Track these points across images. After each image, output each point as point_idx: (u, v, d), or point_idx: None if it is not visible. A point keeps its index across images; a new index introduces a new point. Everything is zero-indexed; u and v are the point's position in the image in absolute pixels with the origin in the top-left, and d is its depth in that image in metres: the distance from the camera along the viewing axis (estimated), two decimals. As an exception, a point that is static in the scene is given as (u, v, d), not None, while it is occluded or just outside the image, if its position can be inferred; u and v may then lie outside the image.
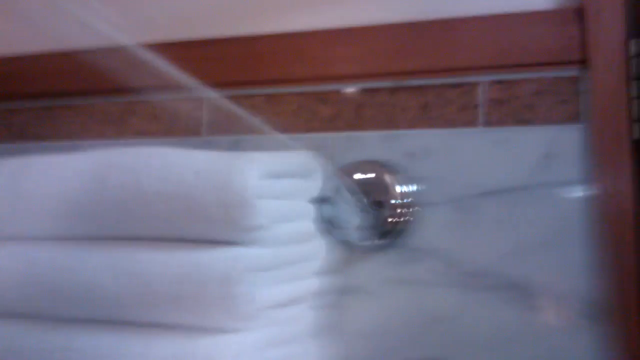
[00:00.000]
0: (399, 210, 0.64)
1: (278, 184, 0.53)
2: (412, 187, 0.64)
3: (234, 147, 0.71)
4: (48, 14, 0.76)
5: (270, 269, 0.52)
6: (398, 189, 0.64)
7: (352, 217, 0.65)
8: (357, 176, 0.66)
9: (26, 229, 0.53)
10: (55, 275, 0.49)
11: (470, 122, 0.63)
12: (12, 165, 0.54)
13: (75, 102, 0.79)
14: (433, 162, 0.64)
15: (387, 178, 0.65)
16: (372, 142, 0.66)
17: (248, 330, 0.49)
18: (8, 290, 0.51)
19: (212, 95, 0.71)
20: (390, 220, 0.64)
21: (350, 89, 0.68)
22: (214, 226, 0.47)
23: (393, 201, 0.64)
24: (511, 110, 0.62)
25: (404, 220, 0.64)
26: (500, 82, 0.63)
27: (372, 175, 0.65)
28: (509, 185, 0.61)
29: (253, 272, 0.49)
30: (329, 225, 0.66)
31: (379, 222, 0.65)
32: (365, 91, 0.68)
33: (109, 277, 0.48)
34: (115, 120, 0.77)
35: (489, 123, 0.63)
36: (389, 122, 0.66)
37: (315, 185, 0.63)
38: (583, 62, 0.60)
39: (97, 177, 0.49)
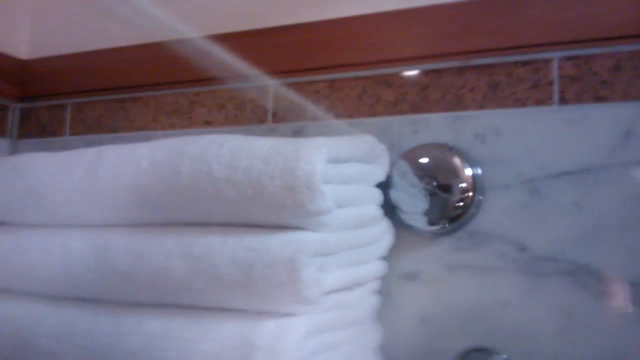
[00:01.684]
0: (467, 194, 0.63)
1: (344, 168, 0.53)
2: (481, 170, 0.62)
3: (298, 134, 0.71)
4: (116, 9, 0.78)
5: (336, 253, 0.52)
6: (466, 172, 0.63)
7: (419, 201, 0.64)
8: (424, 160, 0.65)
9: (101, 216, 0.55)
10: (128, 260, 0.51)
11: (544, 101, 0.61)
12: (88, 156, 0.56)
13: (145, 95, 0.82)
14: (504, 143, 0.62)
15: (455, 161, 0.63)
16: (438, 125, 0.65)
17: (313, 313, 0.49)
18: (83, 275, 0.53)
19: (276, 83, 0.72)
20: (457, 204, 0.63)
21: (414, 71, 0.67)
22: (282, 211, 0.47)
23: (461, 185, 0.63)
24: (587, 87, 0.59)
25: (472, 204, 0.62)
26: (574, 57, 0.60)
27: (440, 158, 0.64)
28: (584, 166, 0.58)
29: (319, 256, 0.49)
30: (395, 210, 0.65)
31: (446, 207, 0.63)
32: (431, 72, 0.66)
33: (180, 263, 0.49)
34: (183, 111, 0.79)
35: (563, 101, 0.60)
36: (456, 103, 0.65)
37: (380, 170, 0.62)
38: (665, 34, 0.56)
39: (170, 166, 0.50)
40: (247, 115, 0.75)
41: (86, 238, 0.54)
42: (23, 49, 0.90)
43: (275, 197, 0.47)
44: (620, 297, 0.56)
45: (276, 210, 0.47)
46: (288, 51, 0.72)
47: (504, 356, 0.60)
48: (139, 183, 0.51)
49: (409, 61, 0.67)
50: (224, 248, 0.48)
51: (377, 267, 0.61)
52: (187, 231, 0.51)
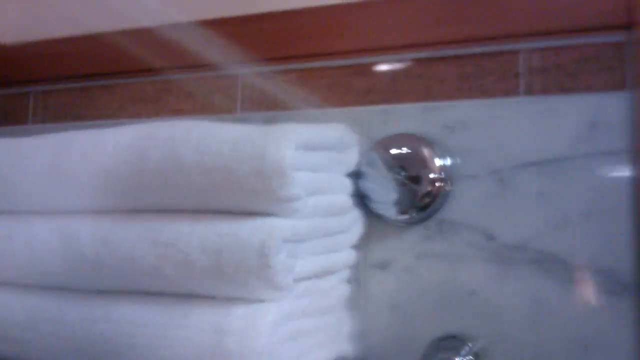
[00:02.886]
0: (436, 184, 0.63)
1: (314, 156, 0.53)
2: (450, 160, 0.63)
3: (269, 123, 0.71)
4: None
5: (307, 240, 0.52)
6: (435, 162, 0.63)
7: (388, 191, 0.64)
8: (394, 150, 0.65)
9: (68, 203, 0.54)
10: (95, 247, 0.50)
11: (511, 92, 0.62)
12: (53, 141, 0.55)
13: (111, 82, 0.80)
14: (472, 134, 0.62)
15: (424, 151, 0.64)
16: (409, 115, 0.65)
17: (284, 300, 0.49)
18: (50, 263, 0.52)
19: (246, 71, 0.71)
20: (427, 194, 0.63)
21: (385, 61, 0.67)
22: (251, 197, 0.47)
23: (430, 175, 0.63)
24: (554, 79, 0.60)
25: (441, 194, 0.63)
26: (542, 49, 0.61)
27: (409, 148, 0.64)
28: (550, 156, 0.59)
29: (290, 242, 0.49)
30: (364, 199, 0.65)
31: (416, 196, 0.64)
32: (401, 63, 0.67)
33: (148, 249, 0.48)
34: (151, 100, 0.78)
35: (530, 92, 0.61)
36: (426, 94, 0.65)
37: (351, 159, 0.63)
38: (629, 27, 0.57)
39: (136, 151, 0.50)
40: (216, 104, 0.74)
41: (51, 225, 0.53)
42: (-15, 35, 0.87)
43: (244, 183, 0.46)
44: (587, 285, 0.57)
45: (245, 196, 0.47)
46: (258, 40, 0.72)
47: (475, 343, 0.60)
48: (105, 168, 0.50)
49: (381, 51, 0.67)
50: (193, 234, 0.47)
51: (348, 256, 0.62)
52: (155, 217, 0.50)
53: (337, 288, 0.60)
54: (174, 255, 0.47)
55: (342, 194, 0.61)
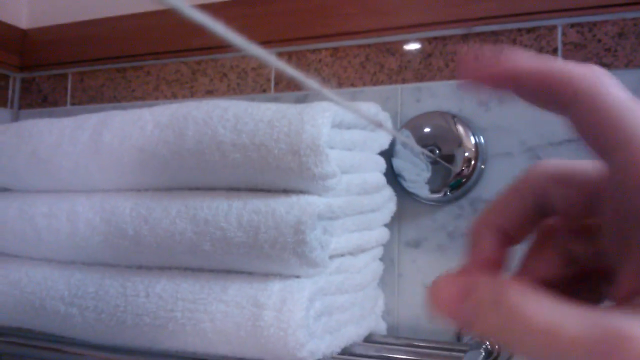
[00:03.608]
0: (469, 162, 0.63)
1: (348, 134, 0.53)
2: (484, 138, 0.63)
3: (301, 103, 0.71)
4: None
5: (341, 217, 0.52)
6: (470, 140, 0.63)
7: (421, 169, 0.64)
8: (427, 128, 0.65)
9: (108, 181, 0.55)
10: (135, 224, 0.51)
11: (547, 68, 0.61)
12: (93, 121, 0.56)
13: (147, 64, 0.81)
14: (507, 112, 0.62)
15: (458, 129, 0.63)
16: (442, 93, 0.65)
17: (319, 276, 0.49)
18: (92, 239, 0.53)
19: (279, 51, 0.72)
20: (460, 172, 0.63)
21: (418, 39, 0.67)
22: (287, 174, 0.47)
23: (464, 154, 0.63)
24: (591, 54, 0.59)
25: (474, 173, 0.63)
26: (578, 24, 0.60)
27: (443, 126, 0.64)
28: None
29: (325, 220, 0.49)
30: (398, 178, 0.65)
31: (449, 175, 0.64)
32: (434, 40, 0.66)
33: (186, 225, 0.49)
34: (186, 80, 0.79)
35: (567, 68, 0.60)
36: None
37: (384, 138, 0.63)
38: (670, 0, 0.56)
39: (175, 130, 0.50)
40: (249, 84, 0.75)
41: (92, 202, 0.54)
42: (23, 18, 0.89)
43: (280, 160, 0.47)
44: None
45: (281, 174, 0.48)
46: (290, 19, 0.72)
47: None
48: (143, 147, 0.51)
49: (413, 29, 0.66)
50: (231, 210, 0.48)
51: (381, 234, 0.62)
52: (192, 195, 0.51)
53: (370, 265, 0.61)
54: (212, 232, 0.48)
55: (375, 172, 0.61)
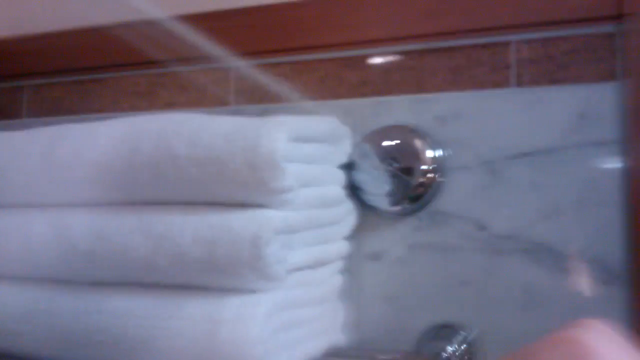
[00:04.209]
0: (428, 175, 0.64)
1: (306, 148, 0.54)
2: (442, 152, 0.64)
3: (262, 116, 0.71)
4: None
5: (299, 231, 0.52)
6: (427, 153, 0.64)
7: (381, 182, 0.65)
8: (386, 142, 0.65)
9: (61, 196, 0.54)
10: (89, 239, 0.50)
11: (502, 83, 0.62)
12: (46, 134, 0.55)
13: (105, 76, 0.80)
14: (463, 126, 0.63)
15: (416, 143, 0.64)
16: (401, 107, 0.66)
17: (277, 290, 0.49)
18: (44, 255, 0.52)
19: (239, 64, 0.72)
20: (419, 185, 0.64)
21: (376, 54, 0.68)
22: (243, 189, 0.47)
23: (422, 167, 0.64)
24: (544, 70, 0.61)
25: (433, 185, 0.64)
26: (532, 40, 0.61)
27: (401, 140, 0.65)
28: (541, 147, 0.60)
29: (283, 234, 0.49)
30: (357, 191, 0.65)
31: (408, 188, 0.64)
32: (393, 55, 0.67)
33: (141, 241, 0.48)
34: (144, 93, 0.78)
35: (521, 83, 0.61)
36: (417, 86, 0.65)
37: (343, 151, 0.63)
38: (619, 18, 0.58)
39: (129, 143, 0.50)
40: (209, 97, 0.74)
41: (45, 218, 0.53)
42: (-22, 29, 0.87)
43: (237, 175, 0.47)
44: (578, 274, 0.58)
45: (238, 188, 0.47)
46: (250, 33, 0.72)
47: (468, 332, 0.61)
48: (98, 161, 0.51)
49: (372, 44, 0.67)
50: (186, 226, 0.48)
51: (342, 247, 0.62)
52: (148, 210, 0.51)
53: (330, 279, 0.61)
54: (167, 247, 0.48)
55: (334, 186, 0.61)
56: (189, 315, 0.46)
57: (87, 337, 0.48)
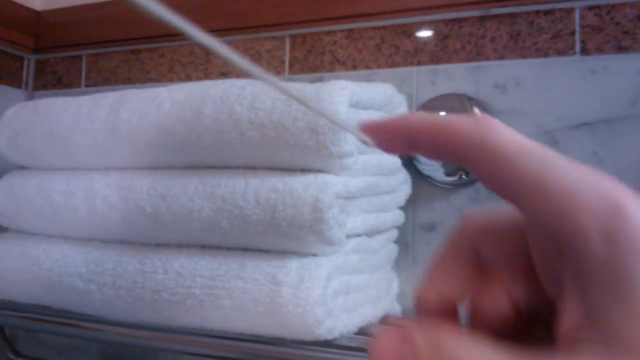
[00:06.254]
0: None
1: (365, 114, 0.53)
2: (501, 121, 0.62)
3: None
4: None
5: (357, 197, 0.52)
6: (485, 122, 0.62)
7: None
8: (442, 111, 0.64)
9: (125, 159, 0.55)
10: (154, 201, 0.51)
11: (565, 51, 0.60)
12: (110, 99, 0.56)
13: (161, 45, 0.81)
14: (524, 94, 0.61)
15: (474, 112, 0.63)
16: (458, 75, 0.65)
17: (336, 254, 0.49)
18: (110, 217, 0.53)
19: (294, 33, 0.71)
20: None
21: (433, 21, 0.66)
22: (304, 152, 0.47)
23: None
24: (609, 37, 0.59)
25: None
26: (596, 7, 0.59)
27: (458, 109, 0.64)
28: (605, 117, 0.58)
29: (342, 199, 0.49)
30: (413, 160, 0.65)
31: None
32: (450, 22, 0.66)
33: (204, 203, 0.49)
34: (199, 62, 0.79)
35: (584, 51, 0.60)
36: (476, 53, 0.64)
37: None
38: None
39: (192, 108, 0.50)
40: (264, 66, 0.74)
41: (110, 180, 0.54)
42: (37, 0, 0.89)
43: (298, 138, 0.47)
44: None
45: (299, 152, 0.48)
46: (304, 1, 0.71)
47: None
48: (161, 125, 0.51)
49: (428, 11, 0.66)
50: (247, 189, 0.48)
51: (396, 216, 0.62)
52: (210, 173, 0.51)
53: (385, 247, 0.61)
54: (229, 209, 0.48)
55: (390, 154, 0.61)
56: (252, 276, 0.47)
57: (152, 297, 0.49)
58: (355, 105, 0.51)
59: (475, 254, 0.22)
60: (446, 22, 0.66)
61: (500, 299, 0.21)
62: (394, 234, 0.63)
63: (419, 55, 0.67)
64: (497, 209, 0.22)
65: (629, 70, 0.58)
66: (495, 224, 0.22)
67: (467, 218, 0.22)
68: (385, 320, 0.60)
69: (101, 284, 0.52)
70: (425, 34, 0.67)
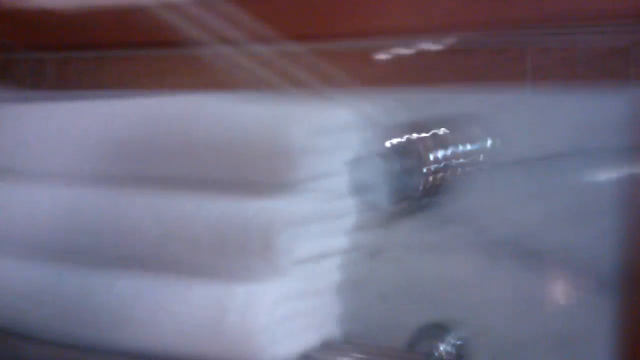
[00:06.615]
0: (432, 176, 0.64)
1: (320, 140, 0.54)
2: (449, 152, 0.64)
3: (283, 101, 0.70)
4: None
5: (307, 223, 0.53)
6: (434, 153, 0.64)
7: (385, 179, 0.65)
8: (395, 139, 0.66)
9: (72, 170, 0.54)
10: (98, 217, 0.50)
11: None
12: (64, 109, 0.55)
13: (128, 54, 0.79)
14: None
15: (425, 141, 0.65)
16: (414, 103, 0.66)
17: (282, 280, 0.50)
18: (51, 231, 0.52)
19: (265, 49, 0.71)
20: (423, 185, 0.64)
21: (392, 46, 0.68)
22: (258, 177, 0.48)
23: (426, 167, 0.64)
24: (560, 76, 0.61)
25: (436, 187, 0.64)
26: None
27: (409, 137, 0.65)
28: (546, 153, 0.61)
29: (293, 224, 0.49)
30: (361, 187, 0.66)
31: (412, 187, 0.65)
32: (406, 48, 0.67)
33: (152, 221, 0.49)
34: (162, 74, 0.77)
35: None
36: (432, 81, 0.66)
37: (353, 145, 0.63)
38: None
39: (146, 121, 0.50)
40: (235, 81, 0.73)
41: (55, 195, 0.53)
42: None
43: (253, 162, 0.47)
44: (566, 281, 0.59)
45: (253, 176, 0.48)
46: (279, 17, 0.71)
47: (459, 332, 0.62)
48: (113, 138, 0.51)
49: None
50: (198, 211, 0.48)
51: (343, 242, 0.63)
52: (162, 190, 0.51)
53: (330, 272, 0.61)
54: (177, 232, 0.48)
55: (341, 180, 0.61)
56: (197, 300, 0.47)
57: (92, 317, 0.48)
58: (313, 131, 0.51)
59: None
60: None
61: None
62: (338, 259, 0.63)
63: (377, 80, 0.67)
64: None
65: (575, 106, 0.60)
66: None
67: None
68: (328, 345, 0.60)
69: (39, 302, 0.50)
70: (383, 59, 0.68)
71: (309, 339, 0.55)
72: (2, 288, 0.52)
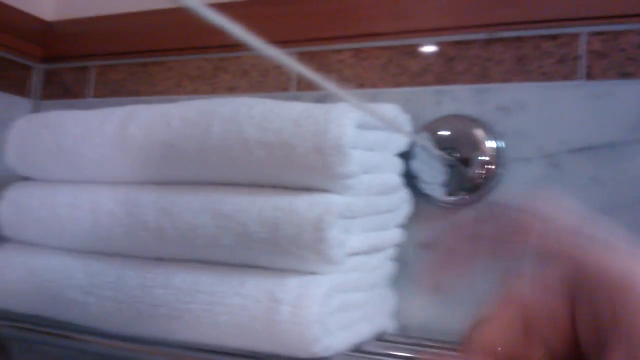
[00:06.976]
0: (486, 166, 0.63)
1: (370, 135, 0.54)
2: (503, 143, 0.63)
3: (322, 102, 0.71)
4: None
5: (359, 217, 0.53)
6: (487, 144, 0.63)
7: (438, 172, 0.64)
8: (445, 131, 0.65)
9: (132, 174, 0.56)
10: (158, 217, 0.52)
11: (569, 75, 0.61)
12: (120, 114, 0.57)
13: (169, 59, 0.82)
14: (527, 117, 0.62)
15: (476, 133, 0.64)
16: (463, 97, 0.65)
17: (335, 273, 0.50)
18: (111, 230, 0.54)
19: (301, 51, 0.72)
20: (476, 176, 0.63)
21: (439, 43, 0.67)
22: (310, 173, 0.48)
23: (481, 157, 0.63)
24: (614, 63, 0.59)
25: (492, 177, 0.63)
26: (602, 33, 0.60)
27: (460, 130, 0.64)
28: (606, 141, 0.59)
29: (344, 218, 0.50)
30: (414, 179, 0.65)
31: (465, 178, 0.64)
32: (457, 44, 0.66)
33: (208, 220, 0.50)
34: (207, 77, 0.79)
35: (589, 76, 0.60)
36: (481, 75, 0.65)
37: (403, 139, 0.63)
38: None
39: (201, 125, 0.51)
40: (270, 82, 0.75)
41: (115, 194, 0.55)
42: (48, 10, 0.90)
43: (304, 159, 0.48)
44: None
45: (304, 172, 0.48)
46: (313, 19, 0.72)
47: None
48: (169, 142, 0.52)
49: (435, 32, 0.67)
50: (252, 207, 0.49)
51: (396, 234, 0.62)
52: (216, 190, 0.52)
53: (383, 265, 0.61)
54: (233, 227, 0.49)
55: (392, 173, 0.61)
56: (251, 293, 0.47)
57: (151, 310, 0.50)
58: (361, 126, 0.51)
59: (524, 311, 0.25)
60: (453, 43, 0.66)
61: (539, 351, 0.24)
62: (392, 252, 0.63)
63: (424, 75, 0.67)
64: (540, 281, 0.25)
65: (632, 96, 0.58)
66: (542, 295, 0.25)
67: (518, 287, 0.26)
68: (381, 337, 0.60)
69: (101, 297, 0.52)
70: (431, 54, 0.67)
71: (362, 331, 0.55)
72: (67, 283, 0.54)
